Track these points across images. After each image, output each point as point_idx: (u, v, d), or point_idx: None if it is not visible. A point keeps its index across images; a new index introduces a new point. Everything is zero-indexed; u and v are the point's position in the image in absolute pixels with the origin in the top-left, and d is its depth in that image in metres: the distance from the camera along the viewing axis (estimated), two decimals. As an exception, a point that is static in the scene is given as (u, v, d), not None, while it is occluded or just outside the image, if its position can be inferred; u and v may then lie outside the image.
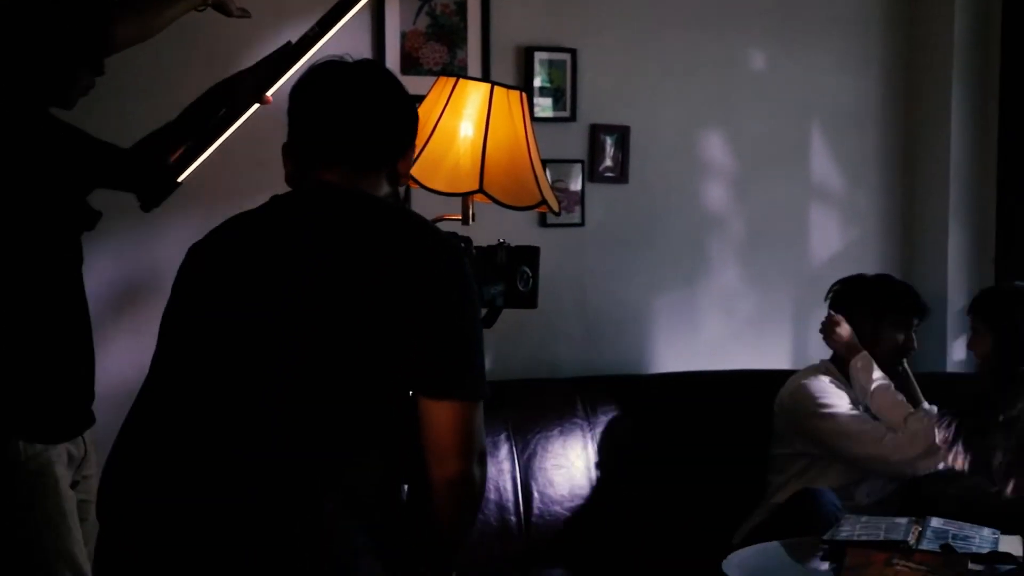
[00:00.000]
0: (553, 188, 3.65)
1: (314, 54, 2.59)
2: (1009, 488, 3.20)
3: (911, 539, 2.74)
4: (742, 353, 4.01)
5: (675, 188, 3.95)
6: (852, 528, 2.86)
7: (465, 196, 2.88)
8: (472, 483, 1.94)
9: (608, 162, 3.82)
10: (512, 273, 2.62)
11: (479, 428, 1.93)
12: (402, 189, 2.15)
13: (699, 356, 3.98)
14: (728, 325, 4.05)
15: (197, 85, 2.67)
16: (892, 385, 3.47)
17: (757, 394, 3.71)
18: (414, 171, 2.84)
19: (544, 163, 3.57)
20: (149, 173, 2.58)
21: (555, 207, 3.01)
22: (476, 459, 1.93)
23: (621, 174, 3.84)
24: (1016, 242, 4.18)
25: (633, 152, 3.85)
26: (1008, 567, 2.54)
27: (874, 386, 3.45)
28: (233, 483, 1.81)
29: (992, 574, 2.51)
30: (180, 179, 2.59)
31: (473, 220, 2.93)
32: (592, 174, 3.79)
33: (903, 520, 2.91)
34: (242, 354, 1.88)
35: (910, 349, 3.57)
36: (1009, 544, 2.69)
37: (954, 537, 2.74)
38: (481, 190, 2.83)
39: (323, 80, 2.04)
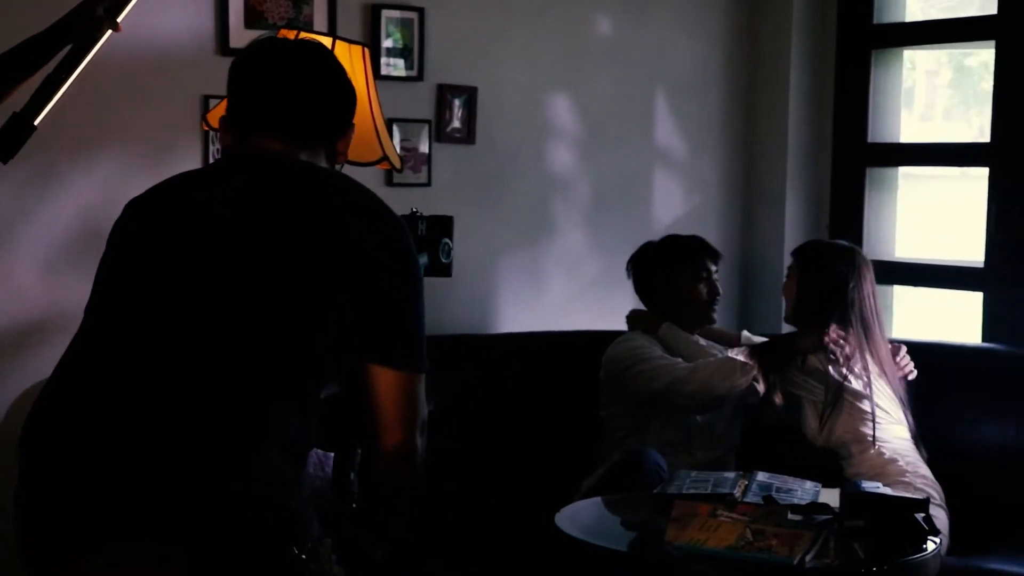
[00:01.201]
0: (400, 148, 3.66)
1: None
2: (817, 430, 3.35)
3: (737, 492, 2.84)
4: (586, 314, 4.08)
5: (522, 150, 3.99)
6: (682, 483, 2.94)
7: (305, 151, 2.86)
8: (415, 452, 2.03)
9: (456, 123, 3.83)
10: (435, 244, 2.65)
11: (422, 399, 2.03)
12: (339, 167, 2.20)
13: (543, 316, 4.04)
14: (572, 286, 4.12)
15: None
16: (699, 339, 3.61)
17: (600, 354, 3.77)
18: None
19: (391, 122, 3.59)
20: None
21: (396, 163, 3.02)
22: (419, 429, 2.03)
23: (468, 135, 3.86)
24: (849, 209, 4.32)
25: (480, 113, 3.87)
26: (824, 517, 2.65)
27: (687, 344, 3.56)
28: (172, 425, 1.83)
29: (809, 523, 2.61)
30: (36, 122, 2.51)
31: (314, 176, 2.91)
32: (439, 134, 3.80)
33: (731, 474, 3.01)
34: (178, 306, 1.90)
35: (715, 296, 3.61)
36: (828, 497, 2.80)
37: (777, 490, 2.85)
38: (321, 145, 2.81)
39: (268, 55, 2.11)
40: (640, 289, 3.68)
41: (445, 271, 2.71)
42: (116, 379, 1.88)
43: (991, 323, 3.94)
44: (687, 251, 3.60)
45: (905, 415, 3.38)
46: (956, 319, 4.43)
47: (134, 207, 2.06)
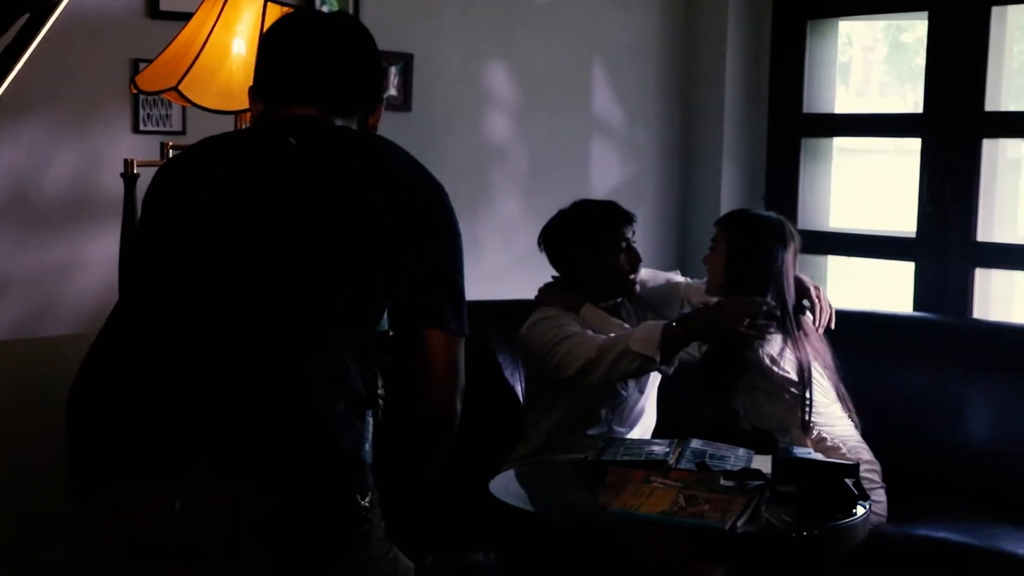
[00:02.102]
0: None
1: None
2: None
3: (671, 459, 2.85)
4: (522, 282, 4.06)
5: (458, 118, 3.96)
6: (616, 450, 2.95)
7: (237, 114, 2.84)
8: (454, 416, 2.04)
9: (392, 90, 3.80)
10: None
11: (463, 364, 2.03)
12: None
13: (479, 285, 4.01)
14: (508, 255, 4.11)
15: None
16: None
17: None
18: (184, 88, 2.78)
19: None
20: None
21: (330, 129, 2.99)
22: (459, 394, 2.03)
23: (404, 102, 3.82)
24: (785, 179, 4.35)
25: (416, 80, 3.84)
26: (756, 483, 2.67)
27: (611, 325, 3.34)
28: (244, 372, 1.84)
29: (741, 489, 2.63)
30: None
31: (246, 140, 2.88)
32: (375, 101, 3.77)
33: (665, 442, 3.01)
34: (241, 258, 1.90)
35: (637, 262, 3.37)
36: (760, 463, 2.82)
37: (711, 456, 2.86)
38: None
39: (303, 25, 2.12)
40: (558, 265, 3.45)
41: None
42: (180, 327, 1.88)
43: (922, 292, 4.00)
44: (604, 223, 3.36)
45: (840, 395, 3.37)
46: (888, 289, 4.48)
47: (180, 164, 2.05)
